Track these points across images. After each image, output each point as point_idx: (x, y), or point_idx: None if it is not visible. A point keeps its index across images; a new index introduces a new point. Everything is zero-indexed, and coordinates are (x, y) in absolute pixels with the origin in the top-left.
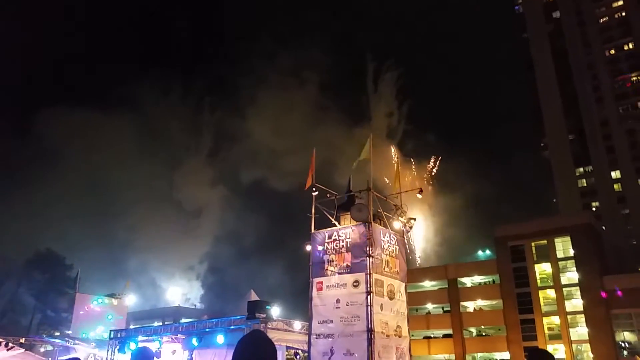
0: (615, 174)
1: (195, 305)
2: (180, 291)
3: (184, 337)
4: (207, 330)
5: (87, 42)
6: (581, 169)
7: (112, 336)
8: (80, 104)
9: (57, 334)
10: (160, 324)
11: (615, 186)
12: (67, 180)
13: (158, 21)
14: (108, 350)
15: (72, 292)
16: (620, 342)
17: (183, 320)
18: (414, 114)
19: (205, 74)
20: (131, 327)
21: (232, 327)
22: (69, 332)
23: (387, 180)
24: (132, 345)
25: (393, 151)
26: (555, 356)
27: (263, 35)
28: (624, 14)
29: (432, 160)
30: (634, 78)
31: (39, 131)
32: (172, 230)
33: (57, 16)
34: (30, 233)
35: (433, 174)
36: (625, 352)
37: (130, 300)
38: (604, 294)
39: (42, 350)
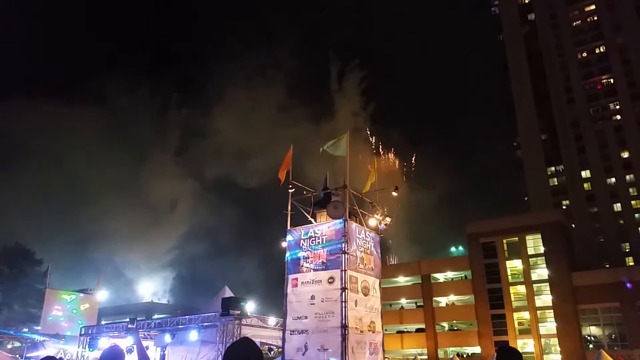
0: (585, 174)
1: (168, 300)
2: (152, 287)
3: (156, 333)
4: (180, 326)
5: (56, 35)
6: (552, 168)
7: (82, 332)
8: (47, 99)
9: (26, 330)
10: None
11: (585, 185)
12: (36, 176)
13: (126, 19)
14: (79, 347)
15: (42, 288)
16: (586, 336)
17: (156, 317)
18: (384, 112)
19: (173, 74)
20: (102, 323)
21: (206, 323)
22: (38, 328)
23: (369, 172)
24: (104, 342)
25: (371, 146)
26: (525, 350)
27: (229, 36)
28: (595, 18)
29: (412, 159)
30: (604, 80)
31: (3, 125)
32: (143, 226)
33: (26, 9)
34: None
35: (407, 172)
36: (591, 346)
37: (102, 295)
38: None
39: (9, 347)
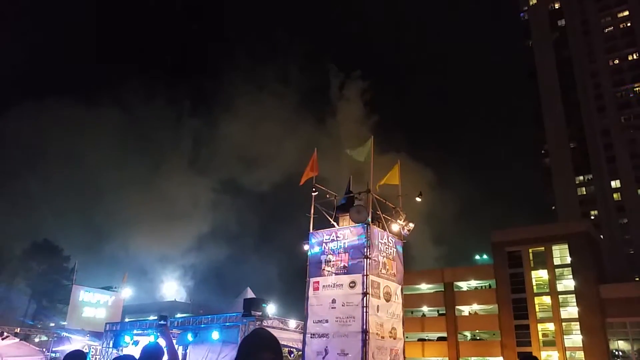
0: (615, 183)
1: (190, 300)
2: (175, 285)
3: (178, 332)
4: (202, 326)
5: (77, 43)
6: (581, 177)
7: (107, 329)
8: (68, 101)
9: (52, 324)
10: (156, 318)
11: (615, 195)
12: (63, 175)
13: (143, 35)
14: (103, 343)
15: (69, 284)
16: (614, 351)
17: (178, 315)
18: (410, 119)
19: (189, 85)
20: (126, 320)
21: (228, 323)
22: (64, 323)
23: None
24: (127, 339)
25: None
26: None
27: (239, 51)
28: (629, 24)
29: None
30: (637, 88)
31: (27, 125)
32: (165, 225)
33: (50, 17)
34: (28, 223)
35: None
36: None
37: (127, 293)
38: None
39: (36, 340)
